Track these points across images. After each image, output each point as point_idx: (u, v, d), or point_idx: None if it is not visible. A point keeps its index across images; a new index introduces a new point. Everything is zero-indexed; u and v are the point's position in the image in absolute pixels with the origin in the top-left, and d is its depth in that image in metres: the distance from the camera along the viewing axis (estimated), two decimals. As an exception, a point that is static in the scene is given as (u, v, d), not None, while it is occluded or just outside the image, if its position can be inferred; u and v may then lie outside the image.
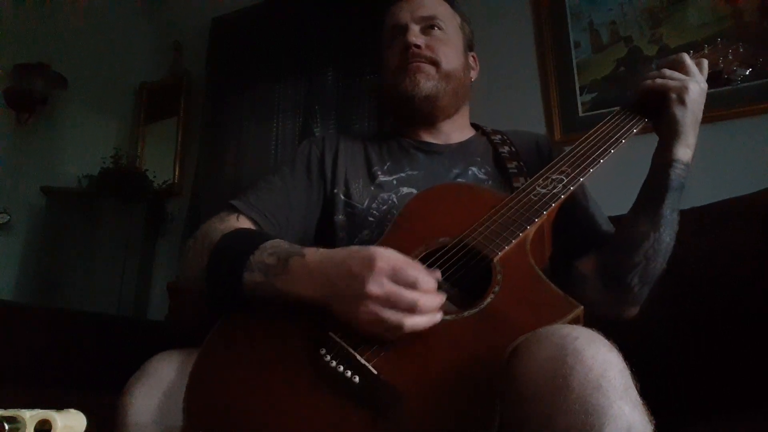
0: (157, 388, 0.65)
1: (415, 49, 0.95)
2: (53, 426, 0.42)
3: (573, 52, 1.88)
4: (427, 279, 0.60)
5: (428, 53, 0.96)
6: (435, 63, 0.96)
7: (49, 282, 2.28)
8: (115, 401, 0.66)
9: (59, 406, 0.44)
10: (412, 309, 0.58)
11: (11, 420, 0.41)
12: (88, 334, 1.54)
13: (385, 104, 1.90)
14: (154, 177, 2.58)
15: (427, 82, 0.95)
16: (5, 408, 0.41)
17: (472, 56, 1.07)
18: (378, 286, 0.59)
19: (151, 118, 2.83)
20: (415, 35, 0.96)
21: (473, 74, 1.07)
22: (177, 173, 2.65)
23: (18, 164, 2.40)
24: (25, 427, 0.41)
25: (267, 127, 2.42)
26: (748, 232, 1.06)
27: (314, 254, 0.67)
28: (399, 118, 1.05)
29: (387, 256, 0.61)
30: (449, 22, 1.01)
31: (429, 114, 0.99)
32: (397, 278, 0.59)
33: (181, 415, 0.60)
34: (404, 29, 0.98)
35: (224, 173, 2.41)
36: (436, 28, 0.99)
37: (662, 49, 1.75)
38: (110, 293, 2.30)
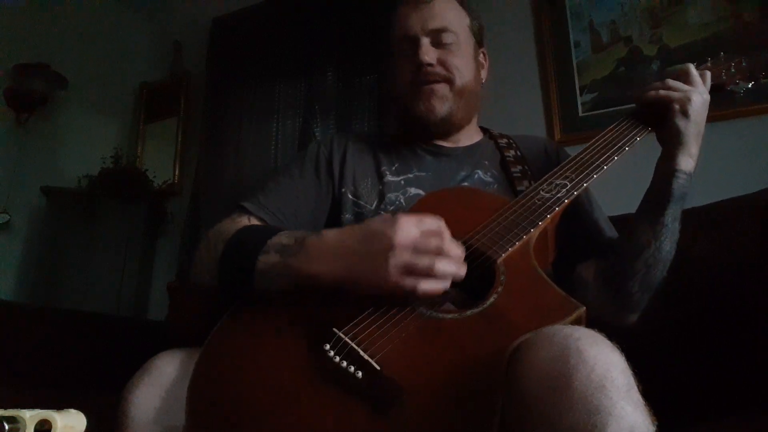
0: (159, 386, 0.65)
1: (428, 68, 0.93)
2: (53, 426, 0.42)
3: (573, 52, 1.88)
4: (447, 231, 0.65)
5: (441, 71, 0.94)
6: (448, 81, 0.95)
7: (49, 282, 2.27)
8: (116, 401, 0.66)
9: (59, 406, 0.44)
10: (439, 252, 0.62)
11: (11, 420, 0.41)
12: (88, 334, 1.54)
13: (389, 108, 1.90)
14: (154, 177, 2.58)
15: (443, 106, 0.94)
16: (5, 408, 0.41)
17: (482, 52, 1.05)
18: (405, 236, 0.62)
19: (151, 118, 2.82)
20: (427, 52, 0.94)
21: (483, 73, 1.05)
22: (177, 173, 2.65)
23: (18, 164, 2.39)
24: (25, 427, 0.41)
25: (267, 127, 2.42)
26: (748, 232, 1.06)
27: (330, 232, 0.71)
28: (410, 130, 1.03)
29: (406, 213, 0.66)
30: (460, 28, 0.98)
31: (444, 132, 0.99)
32: (421, 227, 0.64)
33: (183, 413, 0.60)
34: (415, 42, 0.95)
35: (224, 173, 2.41)
36: (447, 39, 0.96)
37: (662, 49, 1.75)
38: (110, 293, 2.30)
